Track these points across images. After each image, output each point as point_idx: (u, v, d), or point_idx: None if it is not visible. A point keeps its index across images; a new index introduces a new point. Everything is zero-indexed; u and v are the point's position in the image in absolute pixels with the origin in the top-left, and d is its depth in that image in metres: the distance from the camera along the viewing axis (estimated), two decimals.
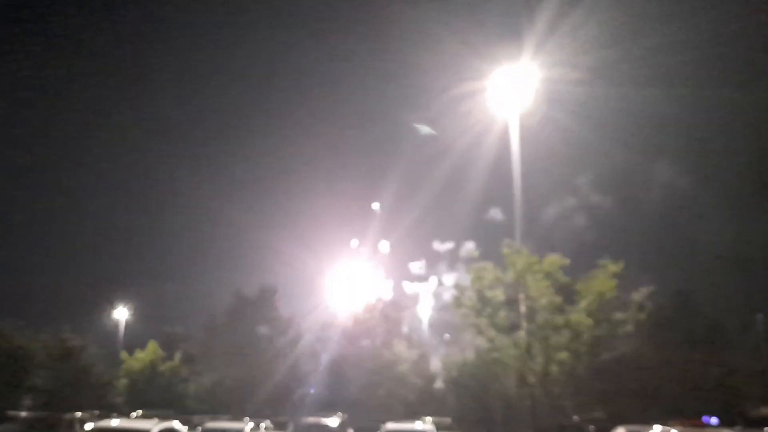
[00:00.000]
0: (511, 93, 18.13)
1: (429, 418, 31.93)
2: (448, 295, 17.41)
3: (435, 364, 39.66)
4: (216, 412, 36.16)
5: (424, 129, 44.99)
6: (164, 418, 20.27)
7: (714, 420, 31.61)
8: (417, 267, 55.70)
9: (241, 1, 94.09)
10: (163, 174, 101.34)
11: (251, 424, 19.22)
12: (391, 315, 44.12)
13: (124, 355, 42.92)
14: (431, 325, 48.13)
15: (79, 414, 23.34)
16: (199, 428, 19.62)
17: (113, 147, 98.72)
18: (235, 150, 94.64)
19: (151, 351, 42.38)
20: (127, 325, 48.79)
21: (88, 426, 14.90)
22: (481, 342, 16.31)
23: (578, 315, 15.12)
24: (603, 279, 15.46)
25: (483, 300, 16.45)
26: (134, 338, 46.25)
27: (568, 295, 15.85)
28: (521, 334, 15.61)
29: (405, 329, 48.87)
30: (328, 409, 36.16)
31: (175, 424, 14.72)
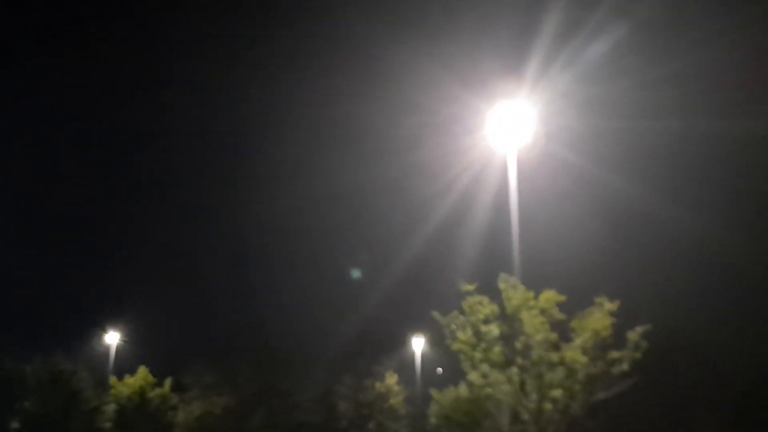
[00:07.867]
0: (509, 129, 18.27)
1: None
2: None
3: (427, 398, 39.40)
4: None
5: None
6: None
7: None
8: None
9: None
10: (158, 193, 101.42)
11: None
12: None
13: (113, 380, 42.43)
14: (423, 358, 47.69)
15: None
16: None
17: (118, 160, 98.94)
18: (248, 159, 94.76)
19: (140, 377, 41.90)
20: (120, 350, 48.23)
21: None
22: (475, 377, 16.10)
23: (573, 353, 14.97)
24: (599, 317, 15.35)
25: (478, 334, 16.31)
26: (127, 363, 45.72)
27: (563, 332, 15.73)
28: (515, 370, 15.45)
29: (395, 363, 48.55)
30: None
31: None
